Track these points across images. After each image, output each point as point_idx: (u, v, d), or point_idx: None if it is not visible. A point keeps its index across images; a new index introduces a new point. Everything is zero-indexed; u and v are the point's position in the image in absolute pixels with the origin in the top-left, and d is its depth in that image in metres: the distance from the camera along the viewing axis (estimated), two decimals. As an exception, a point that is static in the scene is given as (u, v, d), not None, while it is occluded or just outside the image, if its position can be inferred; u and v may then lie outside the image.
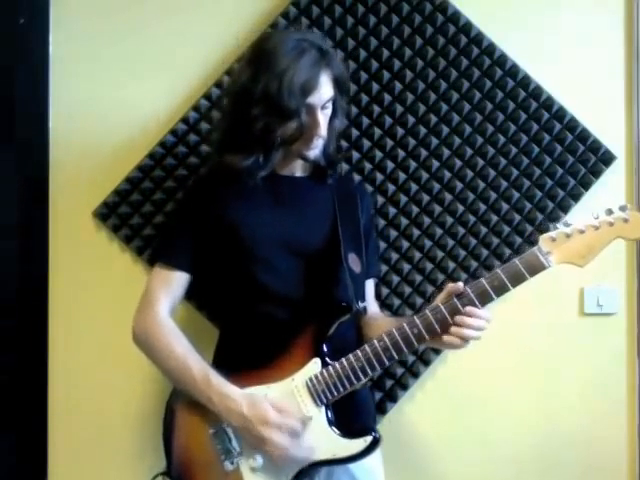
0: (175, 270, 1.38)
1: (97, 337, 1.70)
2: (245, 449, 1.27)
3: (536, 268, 1.22)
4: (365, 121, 1.72)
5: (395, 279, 1.71)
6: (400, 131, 1.72)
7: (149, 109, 1.71)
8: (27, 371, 1.70)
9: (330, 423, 1.27)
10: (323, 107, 1.33)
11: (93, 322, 1.71)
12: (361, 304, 1.37)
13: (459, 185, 1.73)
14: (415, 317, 1.25)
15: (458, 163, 1.73)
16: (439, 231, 1.72)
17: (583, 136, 1.73)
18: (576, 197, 1.73)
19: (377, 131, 1.72)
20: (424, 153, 1.72)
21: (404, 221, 1.72)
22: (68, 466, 1.71)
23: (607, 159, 1.74)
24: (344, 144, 1.70)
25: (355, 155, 1.71)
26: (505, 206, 1.73)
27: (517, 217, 1.73)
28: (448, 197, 1.73)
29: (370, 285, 1.54)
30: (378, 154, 1.72)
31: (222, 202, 1.38)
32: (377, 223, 1.70)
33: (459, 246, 1.73)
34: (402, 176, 1.72)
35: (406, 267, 1.72)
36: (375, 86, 1.72)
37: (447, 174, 1.73)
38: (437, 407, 1.75)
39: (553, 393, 1.77)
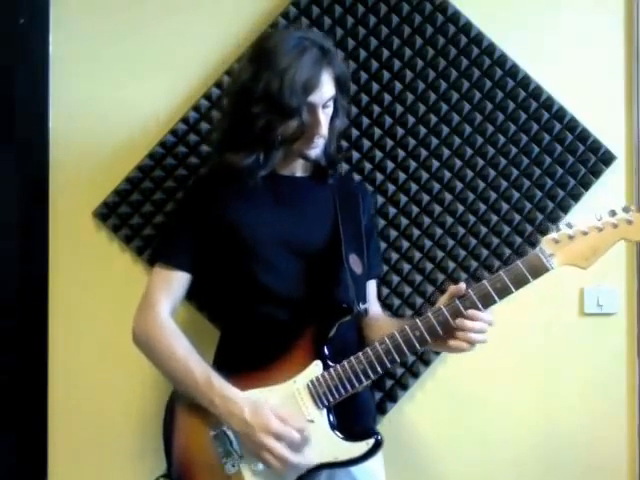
0: (175, 270, 1.38)
1: (97, 337, 1.70)
2: (246, 452, 1.26)
3: (539, 270, 1.21)
4: (365, 121, 1.72)
5: (395, 279, 1.71)
6: (400, 131, 1.72)
7: (149, 109, 1.71)
8: (27, 371, 1.70)
9: (332, 426, 1.26)
10: (324, 106, 1.32)
11: (93, 322, 1.71)
12: (362, 305, 1.36)
13: (459, 185, 1.73)
14: (417, 319, 1.24)
15: (458, 163, 1.73)
16: (439, 231, 1.72)
17: (583, 136, 1.73)
18: (576, 197, 1.74)
19: (377, 131, 1.72)
20: (424, 153, 1.72)
21: (404, 221, 1.72)
22: (68, 466, 1.71)
23: (607, 159, 1.74)
24: (344, 144, 1.70)
25: (355, 155, 1.71)
26: (505, 206, 1.73)
27: (517, 217, 1.73)
28: (448, 197, 1.73)
29: (372, 286, 1.53)
30: (378, 154, 1.72)
31: (222, 202, 1.37)
32: (377, 223, 1.69)
33: (459, 246, 1.73)
34: (402, 176, 1.72)
35: (406, 267, 1.72)
36: (375, 86, 1.72)
37: (447, 174, 1.73)
38: (437, 407, 1.75)
39: (553, 393, 1.77)
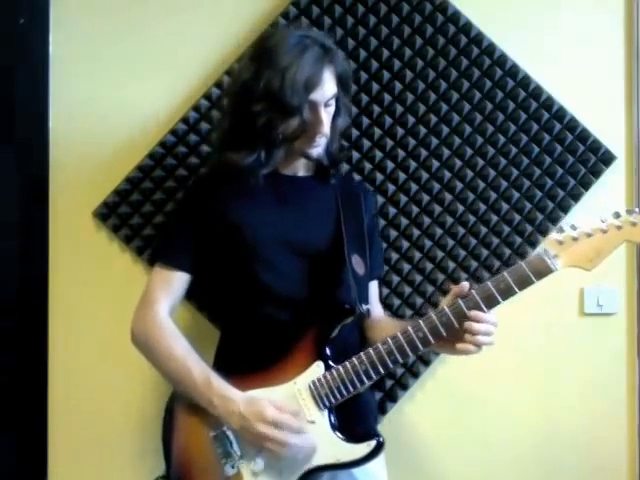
0: (175, 270, 1.37)
1: (97, 337, 1.70)
2: (246, 453, 1.26)
3: (543, 271, 1.20)
4: (365, 121, 1.72)
5: (395, 279, 1.71)
6: (400, 131, 1.72)
7: (149, 109, 1.71)
8: (27, 371, 1.70)
9: (333, 427, 1.25)
10: (326, 104, 1.31)
11: (93, 322, 1.71)
12: (364, 306, 1.35)
13: (459, 185, 1.73)
14: (420, 320, 1.23)
15: (458, 163, 1.73)
16: (439, 231, 1.72)
17: (583, 136, 1.73)
18: (576, 197, 1.74)
19: (377, 131, 1.72)
20: (424, 153, 1.72)
21: (404, 221, 1.72)
22: (68, 466, 1.71)
23: (607, 159, 1.74)
24: (344, 144, 1.70)
25: (355, 155, 1.71)
26: (505, 206, 1.73)
27: (517, 217, 1.73)
28: (448, 197, 1.73)
29: (373, 287, 1.52)
30: (378, 154, 1.72)
31: (223, 201, 1.37)
32: (379, 223, 1.68)
33: (459, 246, 1.73)
34: (402, 176, 1.72)
35: (406, 267, 1.72)
36: (375, 86, 1.72)
37: (447, 174, 1.73)
38: (437, 407, 1.75)
39: (553, 393, 1.77)
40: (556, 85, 1.73)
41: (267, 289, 1.33)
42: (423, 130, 1.72)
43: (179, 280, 1.37)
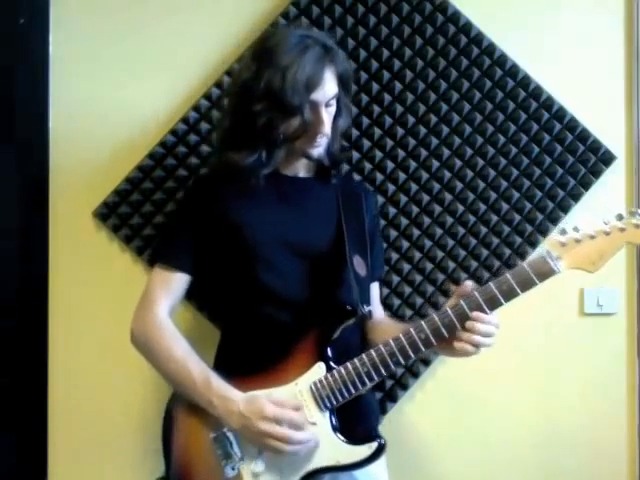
0: (175, 271, 1.36)
1: (97, 337, 1.70)
2: (246, 454, 1.25)
3: (546, 273, 1.19)
4: (365, 121, 1.72)
5: (395, 279, 1.71)
6: (400, 131, 1.72)
7: (149, 109, 1.71)
8: (27, 371, 1.70)
9: (334, 429, 1.25)
10: (327, 105, 1.31)
11: (93, 322, 1.71)
12: (366, 308, 1.34)
13: (459, 185, 1.73)
14: (422, 322, 1.23)
15: (458, 163, 1.73)
16: (439, 231, 1.72)
17: (583, 136, 1.73)
18: (576, 197, 1.74)
19: (377, 131, 1.72)
20: (424, 153, 1.72)
21: (404, 221, 1.72)
22: (68, 466, 1.71)
23: (607, 159, 1.74)
24: (345, 144, 1.70)
25: (355, 155, 1.71)
26: (505, 206, 1.73)
27: (517, 217, 1.73)
28: (448, 197, 1.73)
29: (374, 288, 1.51)
30: (378, 154, 1.72)
31: (224, 201, 1.36)
32: (380, 224, 1.68)
33: (459, 246, 1.73)
34: (402, 176, 1.72)
35: (406, 267, 1.72)
36: (375, 86, 1.72)
37: (447, 174, 1.73)
38: (437, 407, 1.75)
39: (553, 393, 1.77)
40: (556, 85, 1.73)
41: (267, 289, 1.32)
42: (423, 130, 1.72)
43: (179, 281, 1.37)
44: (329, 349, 1.27)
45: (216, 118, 1.67)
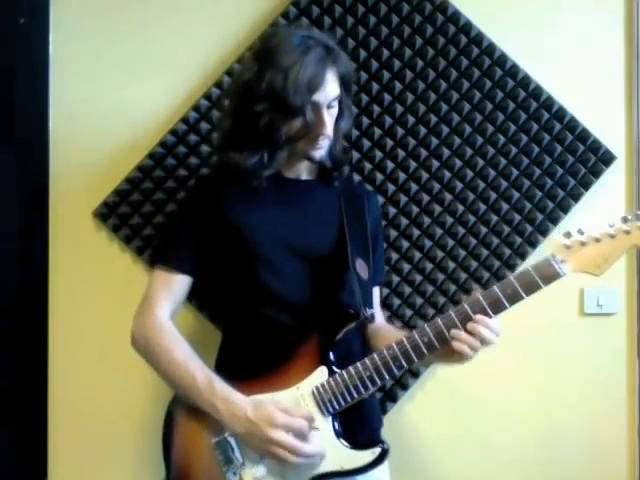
0: (176, 272, 1.35)
1: (97, 337, 1.70)
2: (248, 459, 1.24)
3: (551, 276, 1.18)
4: (365, 121, 1.72)
5: (395, 279, 1.71)
6: (400, 131, 1.72)
7: (149, 109, 1.71)
8: (27, 371, 1.70)
9: (337, 434, 1.23)
10: (329, 106, 1.30)
11: (93, 322, 1.71)
12: (369, 311, 1.32)
13: (459, 185, 1.73)
14: (425, 325, 1.22)
15: (458, 163, 1.73)
16: (439, 231, 1.72)
17: (583, 136, 1.73)
18: (576, 197, 1.73)
19: (377, 131, 1.72)
20: (424, 153, 1.72)
21: (404, 221, 1.72)
22: (68, 466, 1.71)
23: (607, 159, 1.74)
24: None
25: (355, 155, 1.71)
26: (505, 206, 1.73)
27: (517, 217, 1.73)
28: (448, 197, 1.73)
29: (375, 293, 1.49)
30: (378, 154, 1.72)
31: (225, 202, 1.35)
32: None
33: (459, 246, 1.73)
34: (402, 176, 1.72)
35: (406, 267, 1.72)
36: (375, 86, 1.72)
37: (447, 174, 1.73)
38: (437, 407, 1.75)
39: (553, 393, 1.77)
40: (556, 85, 1.73)
41: (267, 289, 1.31)
42: (423, 130, 1.72)
43: (180, 282, 1.36)
44: (331, 353, 1.26)
45: (216, 118, 1.67)
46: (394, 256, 1.72)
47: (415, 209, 1.72)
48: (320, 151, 1.35)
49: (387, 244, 1.71)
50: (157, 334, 1.31)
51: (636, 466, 1.77)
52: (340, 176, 1.46)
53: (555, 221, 1.73)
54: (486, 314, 1.20)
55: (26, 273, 1.71)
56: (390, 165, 1.72)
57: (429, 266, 1.72)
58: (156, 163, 1.68)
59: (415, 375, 1.72)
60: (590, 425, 1.77)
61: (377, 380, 1.23)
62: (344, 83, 1.34)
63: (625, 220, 1.18)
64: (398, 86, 1.72)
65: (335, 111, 1.34)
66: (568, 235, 1.20)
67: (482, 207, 1.73)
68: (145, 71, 1.71)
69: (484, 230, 1.73)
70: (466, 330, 1.20)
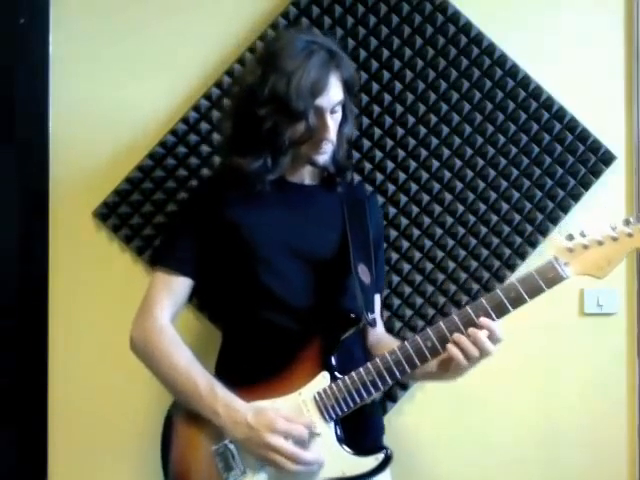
0: (177, 275, 1.34)
1: (97, 337, 1.70)
2: (249, 467, 1.23)
3: (554, 279, 1.18)
4: (365, 121, 1.72)
5: (395, 279, 1.71)
6: (400, 131, 1.72)
7: (149, 109, 1.71)
8: (27, 371, 1.70)
9: (339, 440, 1.22)
10: (332, 111, 1.30)
11: (93, 322, 1.71)
12: (370, 315, 1.31)
13: (459, 185, 1.73)
14: (428, 329, 1.21)
15: (458, 163, 1.73)
16: (439, 231, 1.72)
17: (583, 136, 1.73)
18: (576, 197, 1.73)
19: (377, 131, 1.72)
20: (424, 153, 1.72)
21: (404, 221, 1.72)
22: (68, 466, 1.71)
23: (607, 159, 1.74)
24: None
25: (355, 155, 1.71)
26: (505, 206, 1.73)
27: (517, 217, 1.73)
28: (448, 197, 1.73)
29: (377, 300, 1.47)
30: (378, 154, 1.72)
31: (227, 205, 1.34)
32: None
33: (459, 246, 1.73)
34: (402, 176, 1.72)
35: (406, 267, 1.72)
36: (375, 86, 1.72)
37: (447, 174, 1.72)
38: (437, 407, 1.75)
39: (553, 393, 1.77)
40: (556, 85, 1.73)
41: (267, 291, 1.30)
42: (423, 130, 1.72)
43: (181, 285, 1.34)
44: (333, 358, 1.25)
45: (216, 118, 1.67)
46: (394, 256, 1.71)
47: (415, 209, 1.72)
48: (323, 156, 1.34)
49: (387, 244, 1.71)
50: (157, 338, 1.30)
51: (636, 466, 1.77)
52: (343, 181, 1.45)
53: (555, 221, 1.73)
54: (489, 318, 1.19)
55: (26, 273, 1.71)
56: (390, 165, 1.72)
57: (429, 266, 1.72)
58: (156, 163, 1.68)
59: (415, 375, 1.72)
60: (590, 425, 1.76)
61: (380, 385, 1.22)
62: (347, 88, 1.33)
63: (627, 223, 1.17)
64: (398, 86, 1.72)
65: (339, 116, 1.34)
66: (570, 238, 1.20)
67: (482, 207, 1.73)
68: (145, 71, 1.71)
69: (484, 230, 1.73)
70: (468, 334, 1.18)
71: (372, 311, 1.36)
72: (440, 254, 1.72)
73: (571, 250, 1.19)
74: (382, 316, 1.56)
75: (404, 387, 1.72)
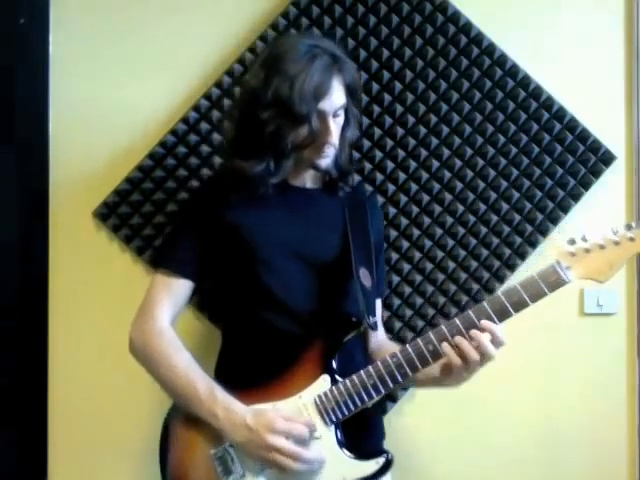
0: (178, 277, 1.33)
1: (97, 337, 1.70)
2: (248, 470, 1.22)
3: (556, 283, 1.18)
4: (365, 121, 1.71)
5: (395, 279, 1.71)
6: (400, 131, 1.72)
7: (149, 109, 1.71)
8: (27, 371, 1.70)
9: (340, 443, 1.22)
10: (335, 115, 1.29)
11: (93, 322, 1.71)
12: (372, 319, 1.31)
13: (459, 185, 1.73)
14: (430, 332, 1.21)
15: (458, 163, 1.73)
16: (439, 231, 1.72)
17: (583, 136, 1.73)
18: (576, 197, 1.73)
19: (377, 131, 1.72)
20: (424, 153, 1.72)
21: (404, 221, 1.72)
22: (68, 466, 1.71)
23: (607, 159, 1.74)
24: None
25: (355, 155, 1.71)
26: (505, 206, 1.73)
27: (517, 217, 1.73)
28: (448, 197, 1.73)
29: (378, 305, 1.47)
30: (378, 154, 1.72)
31: (228, 206, 1.33)
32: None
33: (459, 246, 1.73)
34: (402, 176, 1.72)
35: (406, 267, 1.72)
36: (375, 86, 1.72)
37: (447, 174, 1.72)
38: (437, 407, 1.74)
39: (553, 393, 1.77)
40: (556, 85, 1.73)
41: (267, 292, 1.30)
42: (423, 130, 1.72)
43: (182, 287, 1.34)
44: (334, 361, 1.25)
45: (216, 118, 1.67)
46: (394, 256, 1.71)
47: (415, 209, 1.72)
48: (326, 160, 1.34)
49: (387, 244, 1.71)
50: (156, 340, 1.30)
51: (636, 466, 1.77)
52: (345, 185, 1.44)
53: (555, 221, 1.73)
54: (491, 321, 1.19)
55: (26, 273, 1.71)
56: (390, 165, 1.72)
57: (429, 266, 1.72)
58: (156, 163, 1.68)
59: (415, 375, 1.72)
60: (590, 425, 1.76)
61: (381, 388, 1.21)
62: (350, 92, 1.33)
63: (629, 227, 1.18)
64: (398, 86, 1.72)
65: (341, 120, 1.34)
66: (572, 242, 1.20)
67: (482, 207, 1.73)
68: (145, 71, 1.71)
69: (484, 230, 1.73)
70: (469, 337, 1.18)
71: (373, 314, 1.35)
72: (440, 254, 1.72)
73: (573, 254, 1.19)
74: (383, 320, 1.55)
75: (404, 387, 1.71)
